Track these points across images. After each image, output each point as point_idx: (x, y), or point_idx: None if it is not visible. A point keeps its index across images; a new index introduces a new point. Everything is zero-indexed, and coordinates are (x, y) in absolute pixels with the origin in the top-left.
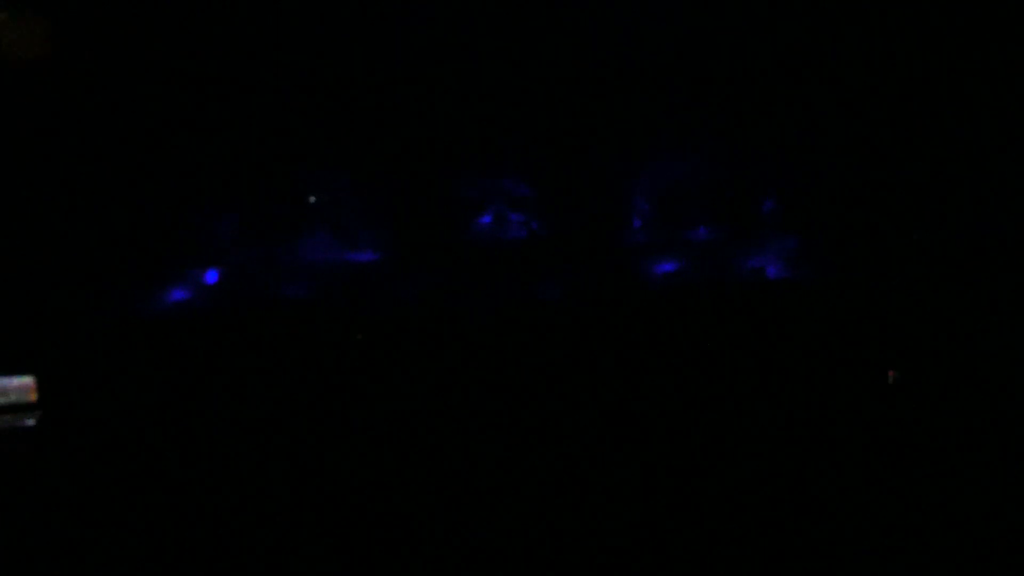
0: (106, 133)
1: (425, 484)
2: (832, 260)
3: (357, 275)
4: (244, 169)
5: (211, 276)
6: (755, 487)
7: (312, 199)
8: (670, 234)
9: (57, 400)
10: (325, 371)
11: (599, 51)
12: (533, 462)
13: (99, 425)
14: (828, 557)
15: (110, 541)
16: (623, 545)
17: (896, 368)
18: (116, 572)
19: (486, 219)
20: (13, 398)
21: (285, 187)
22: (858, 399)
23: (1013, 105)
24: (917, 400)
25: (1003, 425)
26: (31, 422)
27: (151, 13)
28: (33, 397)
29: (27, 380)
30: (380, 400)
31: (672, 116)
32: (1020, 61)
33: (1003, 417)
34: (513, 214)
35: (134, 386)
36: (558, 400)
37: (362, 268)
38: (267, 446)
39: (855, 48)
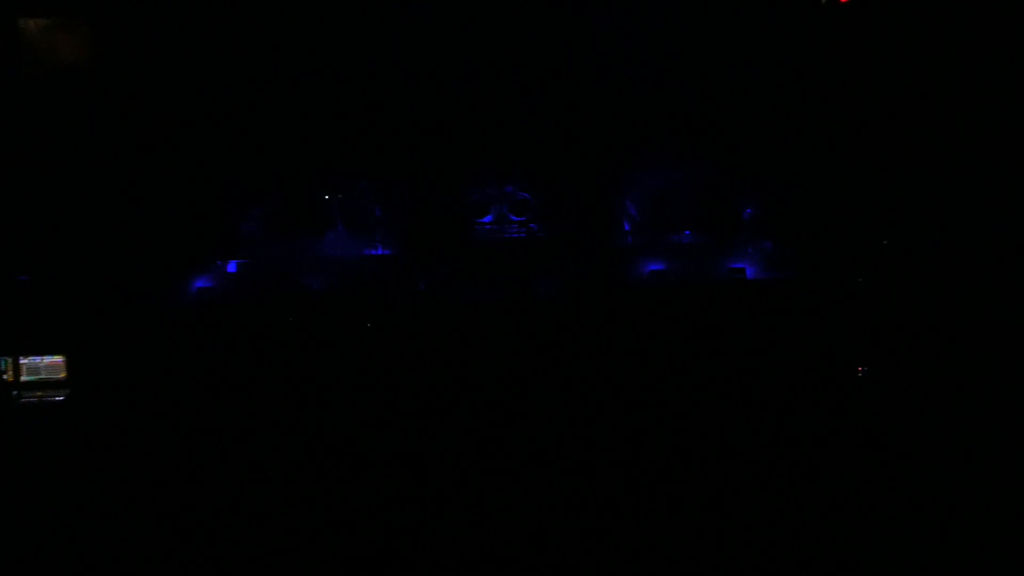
0: (141, 133)
1: (428, 462)
2: (807, 262)
3: (369, 269)
4: (268, 170)
5: (231, 267)
6: (740, 481)
7: (327, 197)
8: (657, 237)
9: (85, 378)
10: (337, 356)
11: (593, 73)
12: (526, 443)
13: (124, 402)
14: (802, 553)
15: (133, 512)
16: (600, 530)
17: (866, 364)
18: (139, 544)
19: (488, 219)
20: (44, 375)
21: (304, 187)
22: (831, 393)
23: (981, 114)
24: (888, 396)
25: (975, 420)
26: (60, 398)
27: (184, 20)
28: (63, 375)
29: (57, 359)
30: (387, 384)
31: (659, 129)
32: (986, 71)
33: (975, 412)
34: (513, 216)
35: (159, 366)
36: (550, 385)
37: (374, 263)
38: (284, 424)
39: (828, 64)
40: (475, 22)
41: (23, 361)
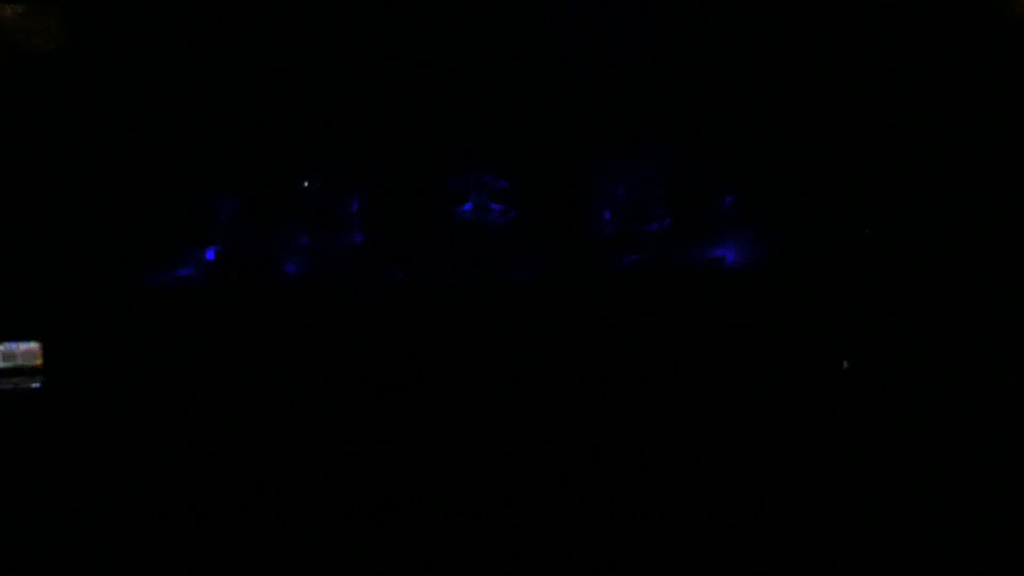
0: (117, 119)
1: (405, 450)
2: (788, 251)
3: (347, 257)
4: (247, 156)
5: (209, 254)
6: (722, 472)
7: (305, 184)
8: (638, 225)
9: (62, 365)
10: (313, 343)
11: (573, 62)
12: (503, 431)
13: (101, 390)
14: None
15: (109, 501)
16: (567, 513)
17: (848, 356)
18: (115, 531)
19: (467, 207)
20: (20, 362)
21: (281, 174)
22: (811, 382)
23: (969, 106)
24: (870, 388)
25: (956, 412)
26: (36, 385)
27: (152, 6)
28: (39, 362)
29: (33, 346)
30: (365, 373)
31: (641, 118)
32: (968, 61)
33: (956, 404)
34: (493, 204)
35: (136, 353)
36: (528, 373)
37: (351, 250)
38: (263, 412)
39: (808, 50)
40: (452, 8)
41: None
